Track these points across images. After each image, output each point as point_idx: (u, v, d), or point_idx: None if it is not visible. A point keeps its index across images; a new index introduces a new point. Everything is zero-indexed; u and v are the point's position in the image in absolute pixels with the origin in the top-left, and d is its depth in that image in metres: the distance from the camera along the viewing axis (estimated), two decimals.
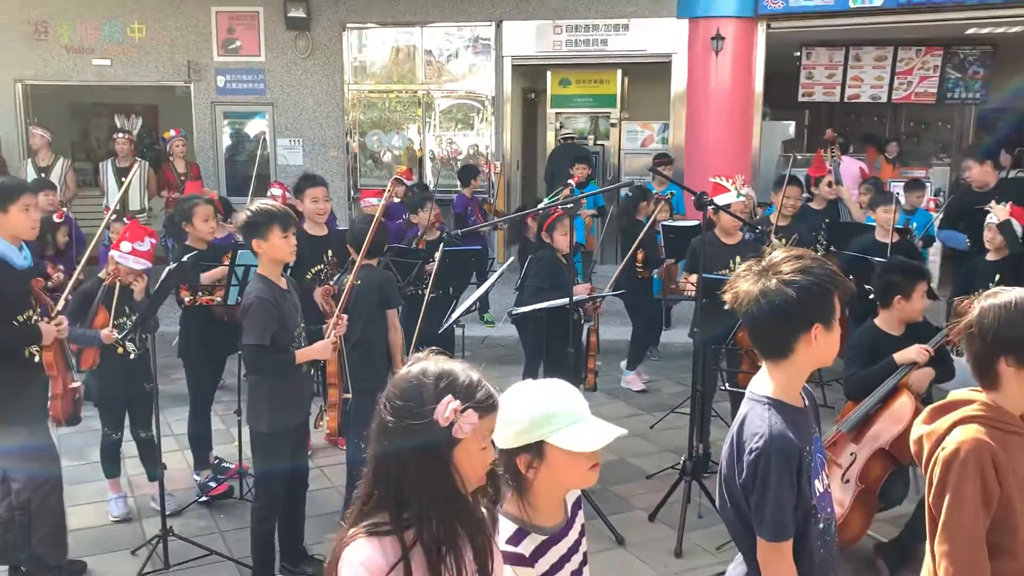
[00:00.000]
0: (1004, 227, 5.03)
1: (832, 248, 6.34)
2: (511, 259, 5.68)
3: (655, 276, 6.71)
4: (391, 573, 1.59)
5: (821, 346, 1.96)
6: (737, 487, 1.99)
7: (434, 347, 1.76)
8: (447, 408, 1.60)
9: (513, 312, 5.08)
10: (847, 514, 3.93)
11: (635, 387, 6.88)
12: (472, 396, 1.63)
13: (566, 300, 4.67)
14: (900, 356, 3.98)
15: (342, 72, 10.65)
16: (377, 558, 1.61)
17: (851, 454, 4.04)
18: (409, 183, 8.12)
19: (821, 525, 2.01)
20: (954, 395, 2.17)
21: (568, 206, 4.82)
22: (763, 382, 2.04)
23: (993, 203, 5.20)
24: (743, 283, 2.00)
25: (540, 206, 6.37)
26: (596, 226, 9.21)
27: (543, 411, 1.84)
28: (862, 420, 4.01)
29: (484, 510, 1.75)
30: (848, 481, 4.01)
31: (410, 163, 10.51)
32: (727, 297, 2.04)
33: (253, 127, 11.06)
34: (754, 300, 1.96)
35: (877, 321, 4.25)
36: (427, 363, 1.69)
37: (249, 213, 3.68)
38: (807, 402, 2.09)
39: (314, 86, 10.69)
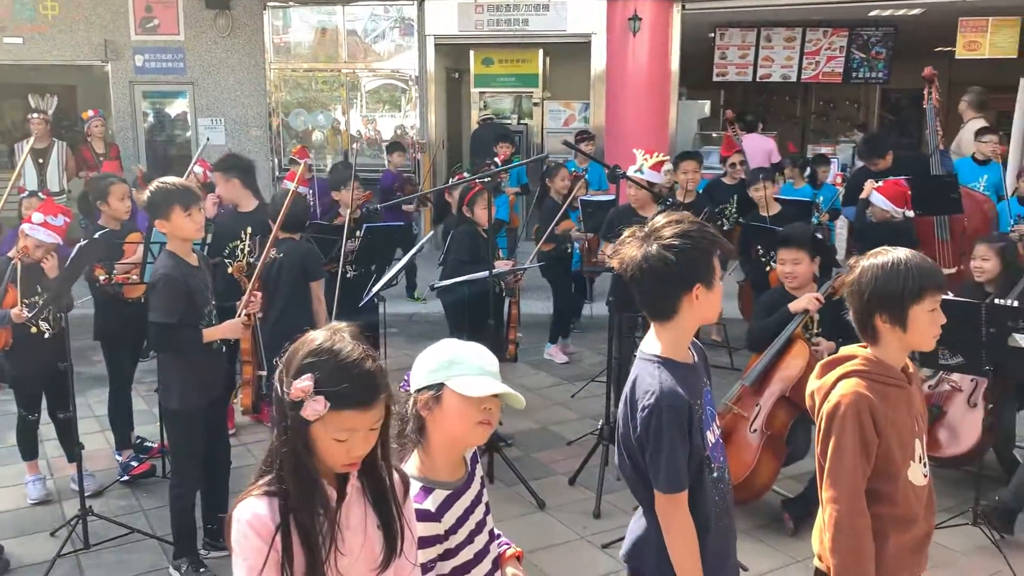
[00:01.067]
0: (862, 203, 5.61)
1: (741, 220, 6.64)
2: (430, 234, 5.76)
3: (576, 250, 6.88)
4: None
5: (703, 305, 2.06)
6: (633, 443, 2.09)
7: (354, 323, 1.75)
8: (299, 385, 1.60)
9: (434, 285, 5.18)
10: (757, 462, 4.17)
11: (558, 359, 7.05)
12: (335, 383, 1.60)
13: (486, 273, 4.78)
14: (794, 305, 4.23)
15: (263, 51, 10.52)
16: (264, 517, 1.63)
17: (756, 405, 4.28)
18: (304, 161, 8.19)
19: (715, 474, 2.12)
20: (843, 351, 2.32)
21: (486, 180, 4.92)
22: (652, 342, 2.14)
23: (870, 181, 5.57)
24: (628, 249, 2.09)
25: (455, 181, 6.49)
26: (520, 203, 9.34)
27: (450, 356, 1.94)
28: (764, 372, 4.27)
29: (397, 477, 1.80)
30: (756, 431, 4.24)
31: (336, 143, 10.49)
32: (614, 263, 2.14)
33: (174, 107, 10.87)
34: (637, 265, 2.06)
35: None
36: (322, 335, 1.68)
37: (149, 193, 3.64)
38: (696, 358, 2.19)
39: (235, 65, 10.54)
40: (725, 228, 6.98)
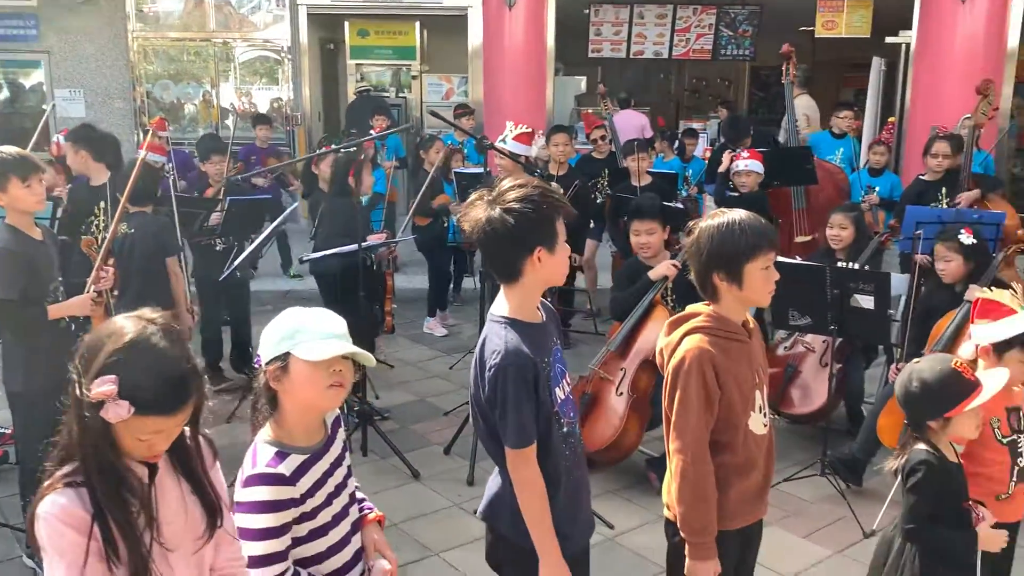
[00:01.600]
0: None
1: (609, 192, 6.82)
2: (294, 205, 5.64)
3: (452, 223, 6.89)
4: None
5: (547, 267, 2.11)
6: (483, 403, 2.14)
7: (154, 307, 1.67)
8: (101, 389, 1.51)
9: (303, 259, 5.10)
10: (624, 423, 4.31)
11: (437, 332, 7.07)
12: (140, 389, 1.52)
13: (356, 246, 4.74)
14: (653, 273, 4.40)
15: (126, 19, 10.01)
16: (74, 510, 1.55)
17: (621, 369, 4.43)
18: (163, 134, 7.93)
19: (564, 429, 2.19)
20: (689, 308, 2.43)
21: (352, 150, 4.87)
22: (501, 304, 2.18)
23: (727, 154, 5.89)
24: (474, 211, 2.12)
25: (320, 152, 6.40)
26: (399, 177, 9.27)
27: (294, 325, 1.94)
28: (627, 337, 4.42)
29: (204, 443, 1.78)
30: (622, 394, 4.39)
31: (208, 116, 10.12)
32: (464, 226, 2.16)
33: (31, 78, 10.23)
34: (482, 227, 2.09)
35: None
36: (132, 329, 1.57)
37: None
38: (545, 317, 2.24)
39: (95, 33, 10.00)
40: (599, 201, 7.14)
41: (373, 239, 5.10)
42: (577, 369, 5.11)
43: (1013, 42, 8.81)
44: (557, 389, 2.18)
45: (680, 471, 2.29)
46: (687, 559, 2.32)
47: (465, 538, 3.98)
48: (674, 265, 4.31)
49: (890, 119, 8.35)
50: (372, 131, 7.83)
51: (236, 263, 4.85)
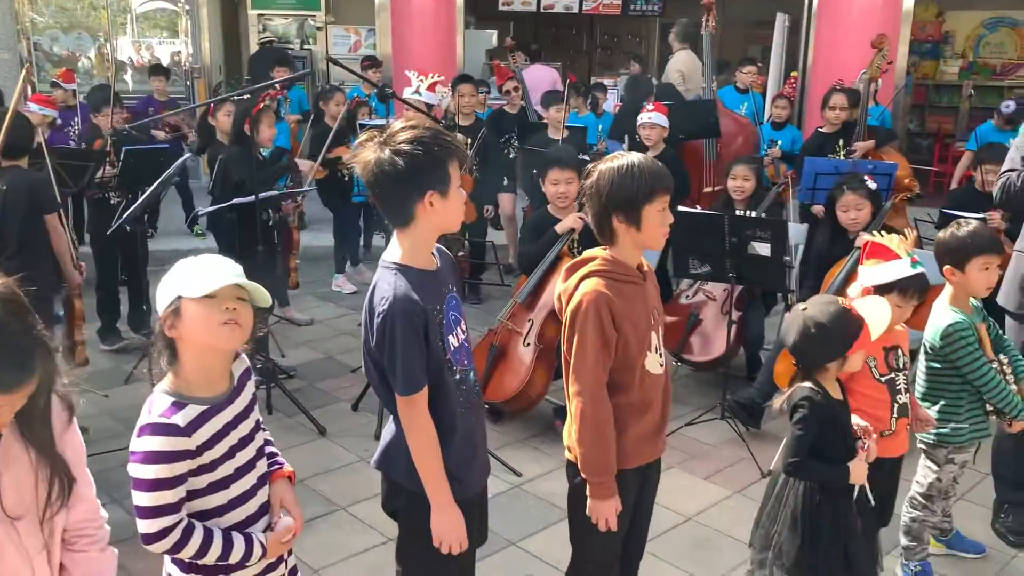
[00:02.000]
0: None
1: (521, 147, 6.80)
2: (184, 157, 5.41)
3: (358, 177, 6.76)
4: None
5: (440, 212, 2.06)
6: (373, 350, 2.09)
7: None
8: None
9: (200, 212, 4.93)
10: (531, 373, 4.34)
11: (346, 289, 6.96)
12: None
13: (252, 197, 4.61)
14: (560, 226, 4.42)
15: None
16: None
17: (528, 320, 4.45)
18: (68, 87, 7.58)
19: (457, 376, 2.17)
20: (586, 253, 2.44)
21: (244, 97, 4.71)
22: (393, 249, 2.13)
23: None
24: (365, 153, 2.06)
25: (214, 99, 6.18)
26: (303, 131, 9.02)
27: (182, 272, 1.88)
28: (534, 289, 4.44)
29: (59, 403, 1.69)
30: (529, 344, 4.41)
31: (104, 69, 9.64)
32: (358, 169, 2.11)
33: None
34: (371, 170, 2.04)
35: (548, 206, 4.65)
36: None
37: None
38: (440, 263, 2.20)
39: None
40: (512, 156, 7.12)
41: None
42: (488, 322, 5.14)
43: (909, 3, 9.07)
44: (450, 336, 2.16)
45: (579, 413, 2.31)
46: (588, 498, 2.35)
47: (371, 492, 3.92)
48: (580, 217, 4.32)
49: (792, 74, 8.53)
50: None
51: (124, 216, 4.65)
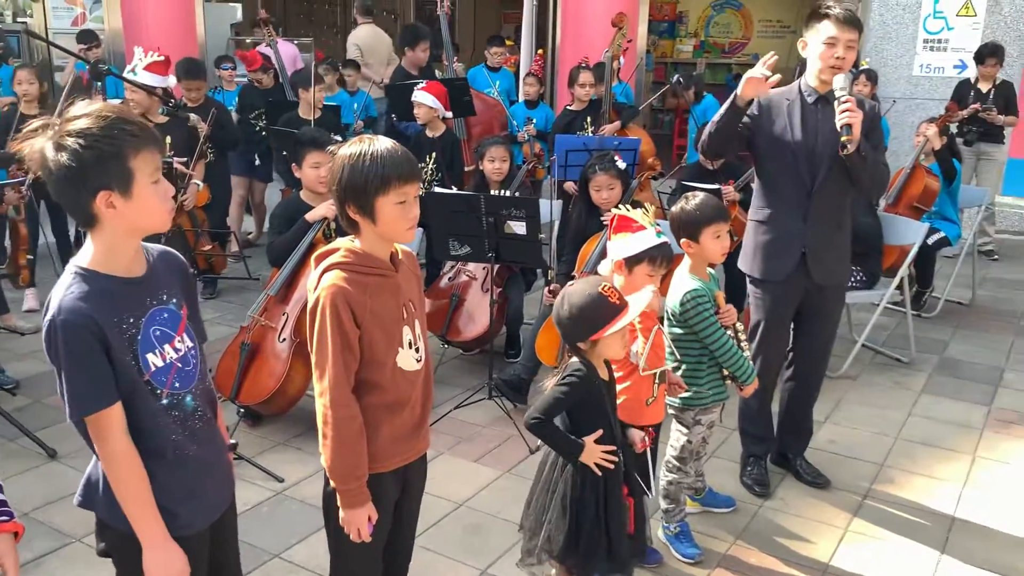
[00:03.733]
0: None
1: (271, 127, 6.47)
2: None
3: None
4: None
5: (126, 214, 1.77)
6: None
7: None
8: None
9: None
10: (288, 369, 4.10)
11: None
12: None
13: None
14: (311, 215, 4.19)
15: None
16: None
17: (283, 314, 4.19)
18: None
19: (165, 401, 1.89)
20: (334, 243, 2.25)
21: None
22: (84, 251, 1.84)
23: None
24: (35, 142, 1.74)
25: None
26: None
27: None
28: (287, 281, 4.19)
29: None
30: (285, 340, 4.16)
31: None
32: (28, 163, 1.77)
33: None
34: (39, 164, 1.75)
35: (301, 192, 4.39)
36: None
37: None
38: (154, 268, 1.92)
39: None
40: (263, 135, 6.76)
41: None
42: (241, 318, 4.80)
43: None
44: (150, 355, 1.86)
45: (322, 416, 2.13)
46: (339, 507, 2.19)
47: None
48: (331, 205, 4.11)
49: (539, 51, 8.71)
50: None
51: None
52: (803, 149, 3.41)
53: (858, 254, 4.89)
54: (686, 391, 3.17)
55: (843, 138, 3.24)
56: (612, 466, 2.51)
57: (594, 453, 2.49)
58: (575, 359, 2.52)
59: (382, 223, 2.12)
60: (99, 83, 4.41)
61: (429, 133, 5.74)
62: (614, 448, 2.52)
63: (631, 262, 2.88)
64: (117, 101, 6.25)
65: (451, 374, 4.97)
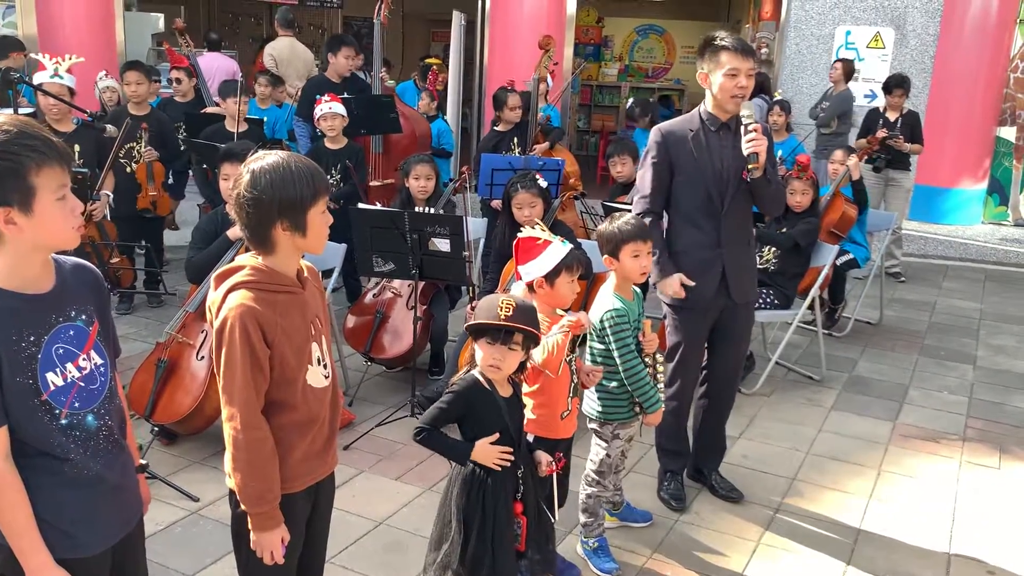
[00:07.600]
0: None
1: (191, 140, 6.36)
2: None
3: None
4: None
5: (29, 230, 1.73)
6: None
7: None
8: None
9: None
10: (205, 387, 4.00)
11: None
12: None
13: None
14: (232, 231, 4.12)
15: None
16: None
17: (202, 332, 4.11)
18: None
19: (65, 421, 1.84)
20: (236, 261, 2.20)
21: None
22: None
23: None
24: None
25: None
26: None
27: None
28: (205, 298, 4.09)
29: None
30: (203, 357, 4.08)
31: None
32: None
33: None
34: None
35: (227, 207, 4.33)
36: None
37: None
38: (62, 284, 1.86)
39: None
40: (183, 148, 6.63)
41: None
42: (157, 334, 4.68)
43: (572, 9, 9.75)
44: (50, 374, 1.81)
45: (232, 440, 2.08)
46: (251, 531, 2.16)
47: None
48: None
49: (432, 67, 8.74)
50: None
51: None
52: (711, 174, 3.53)
53: (794, 275, 5.12)
54: (601, 377, 3.17)
55: (750, 165, 3.38)
56: (509, 464, 2.55)
57: (490, 453, 2.53)
58: (473, 371, 2.58)
59: (311, 235, 2.12)
60: (11, 91, 4.27)
61: (330, 145, 5.74)
62: (511, 449, 2.56)
63: (550, 277, 2.93)
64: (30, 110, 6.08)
65: (373, 392, 4.95)
